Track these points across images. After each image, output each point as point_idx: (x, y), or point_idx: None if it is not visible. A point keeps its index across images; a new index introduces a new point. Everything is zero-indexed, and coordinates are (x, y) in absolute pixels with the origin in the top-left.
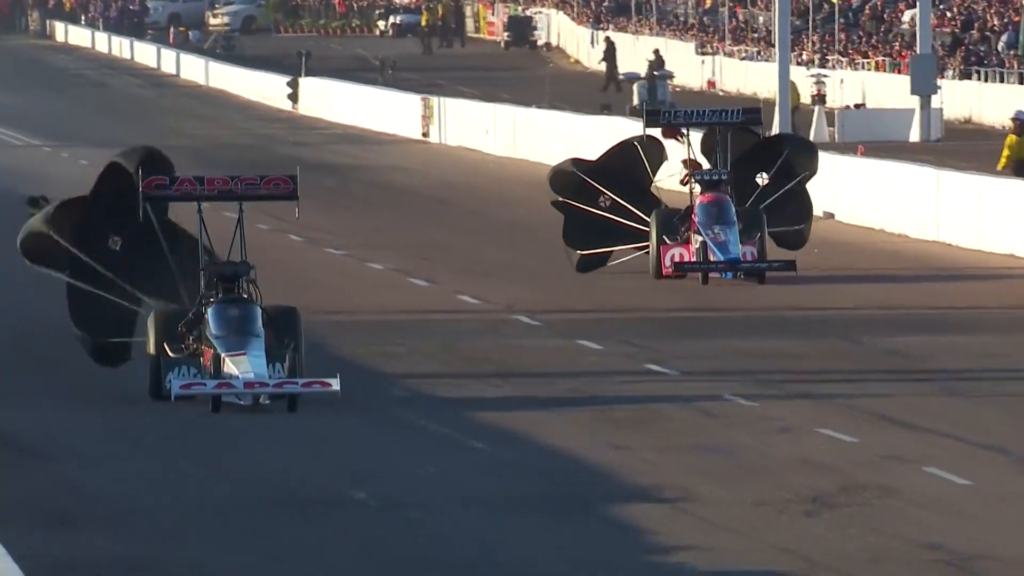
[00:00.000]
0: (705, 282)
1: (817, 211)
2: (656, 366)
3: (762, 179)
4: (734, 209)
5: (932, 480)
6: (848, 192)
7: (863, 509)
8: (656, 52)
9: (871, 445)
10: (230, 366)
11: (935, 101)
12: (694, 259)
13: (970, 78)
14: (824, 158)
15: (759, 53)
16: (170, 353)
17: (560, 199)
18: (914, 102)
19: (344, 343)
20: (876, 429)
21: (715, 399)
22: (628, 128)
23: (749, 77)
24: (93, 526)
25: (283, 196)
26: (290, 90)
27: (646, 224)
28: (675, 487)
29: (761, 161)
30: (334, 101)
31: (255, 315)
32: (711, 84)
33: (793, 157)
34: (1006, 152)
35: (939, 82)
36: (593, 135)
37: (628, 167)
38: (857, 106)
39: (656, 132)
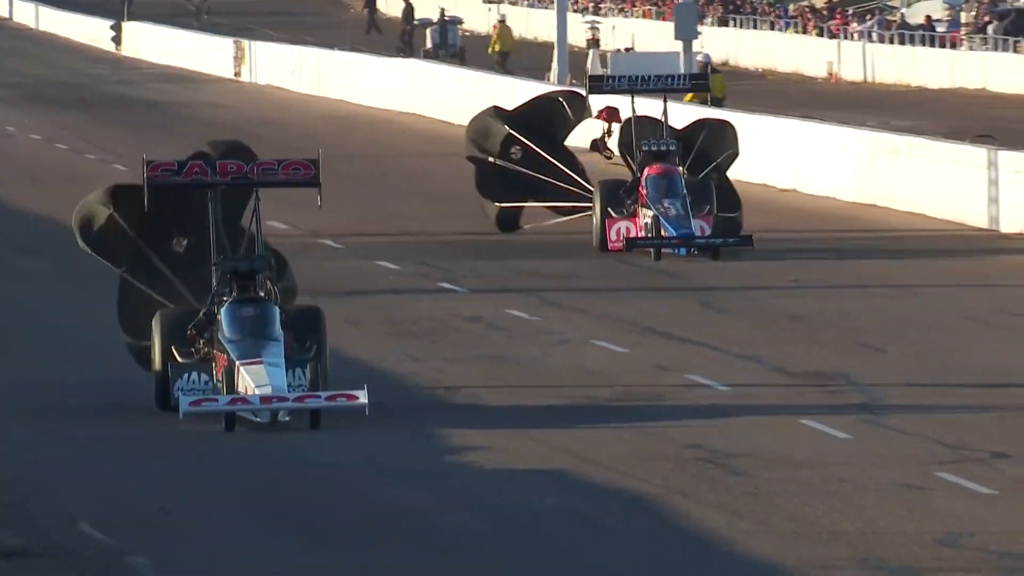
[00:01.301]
0: (658, 258)
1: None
2: (448, 284)
3: (675, 156)
4: (683, 181)
5: (695, 386)
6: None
7: (634, 413)
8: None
9: (640, 355)
10: (245, 377)
11: (696, 45)
12: (642, 233)
13: (727, 25)
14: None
15: (539, 0)
16: (178, 358)
17: (476, 151)
18: (678, 46)
19: None
20: (644, 341)
21: (501, 314)
22: (422, 69)
23: (532, 23)
24: None
25: (303, 182)
26: (113, 33)
27: (566, 181)
28: (467, 394)
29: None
30: (154, 43)
31: (273, 316)
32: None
33: (707, 145)
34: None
35: (700, 28)
36: (389, 76)
37: (548, 120)
38: (627, 49)
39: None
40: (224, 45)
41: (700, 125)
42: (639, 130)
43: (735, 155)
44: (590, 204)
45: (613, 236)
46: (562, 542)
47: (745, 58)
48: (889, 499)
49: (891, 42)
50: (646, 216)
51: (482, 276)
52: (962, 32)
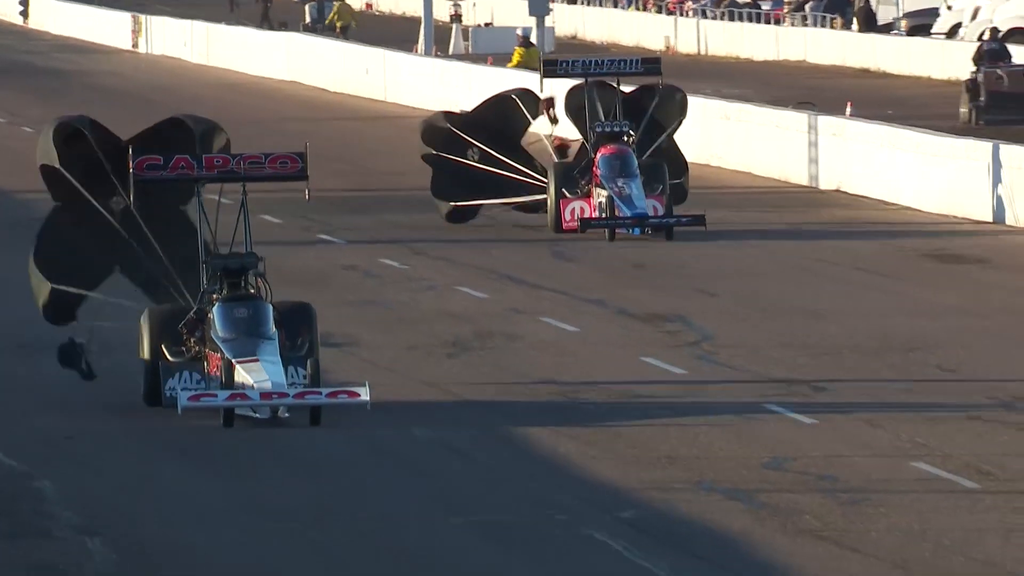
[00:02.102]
0: (612, 238)
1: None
2: (327, 236)
3: (629, 137)
4: (636, 161)
5: (547, 327)
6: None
7: (493, 351)
8: None
9: (498, 300)
10: (243, 374)
11: (548, 21)
12: (596, 213)
13: (576, 3)
14: (461, 66)
15: None
16: (169, 356)
17: (432, 152)
18: (532, 22)
19: None
20: (502, 287)
21: (375, 263)
22: (302, 41)
23: (400, 1)
24: None
25: (290, 176)
26: (21, 7)
27: (521, 175)
28: (343, 335)
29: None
30: (58, 17)
31: (266, 314)
32: (368, 6)
33: (659, 112)
34: (516, 60)
35: (551, 5)
36: (271, 48)
37: (502, 120)
38: (486, 24)
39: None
40: (122, 19)
41: (651, 90)
42: (590, 95)
43: (683, 119)
44: (543, 196)
45: (568, 216)
46: (432, 468)
47: (592, 32)
48: (721, 428)
49: (722, 18)
50: (600, 196)
51: (356, 229)
52: (785, 10)
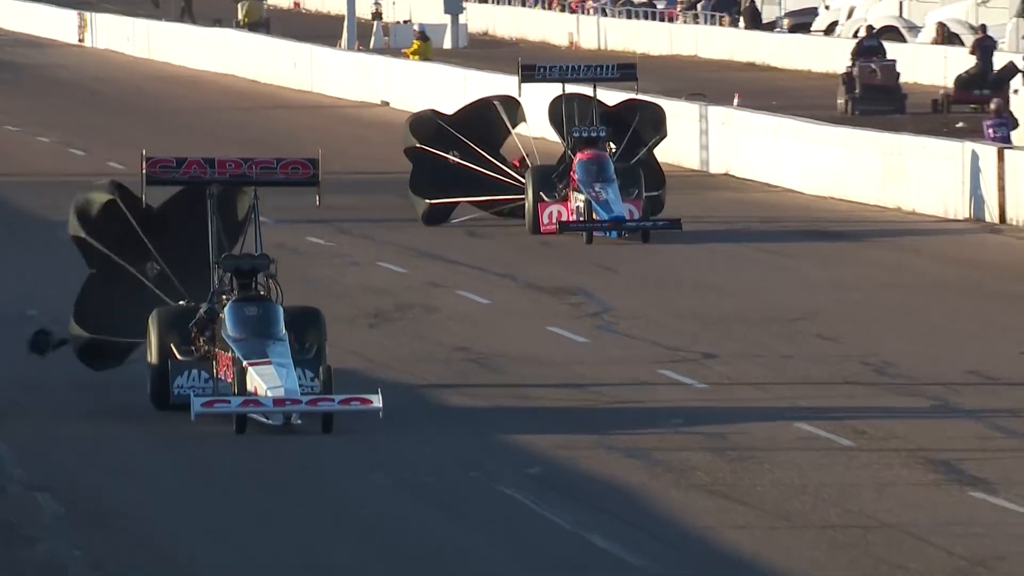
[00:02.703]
0: (590, 241)
1: (378, 99)
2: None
3: (610, 151)
4: (613, 166)
5: (462, 299)
6: (403, 83)
7: (412, 322)
8: None
9: (417, 275)
10: (255, 378)
11: (462, 18)
12: (573, 217)
13: (487, 1)
14: (381, 59)
15: None
16: (178, 356)
17: (416, 145)
18: (447, 19)
19: (21, 198)
20: (421, 263)
21: (302, 241)
22: (235, 37)
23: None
24: None
25: (302, 182)
26: None
27: (502, 176)
28: None
29: (610, 131)
30: (8, 13)
31: (277, 315)
32: (296, 4)
33: (642, 127)
34: (414, 53)
35: (464, 4)
36: (207, 43)
37: (485, 124)
38: (405, 22)
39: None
40: (69, 16)
41: (634, 106)
42: (569, 108)
43: (664, 136)
44: (522, 196)
45: (545, 219)
46: (359, 428)
47: (502, 29)
48: (620, 390)
49: (620, 16)
50: (578, 200)
51: (284, 208)
52: (678, 9)
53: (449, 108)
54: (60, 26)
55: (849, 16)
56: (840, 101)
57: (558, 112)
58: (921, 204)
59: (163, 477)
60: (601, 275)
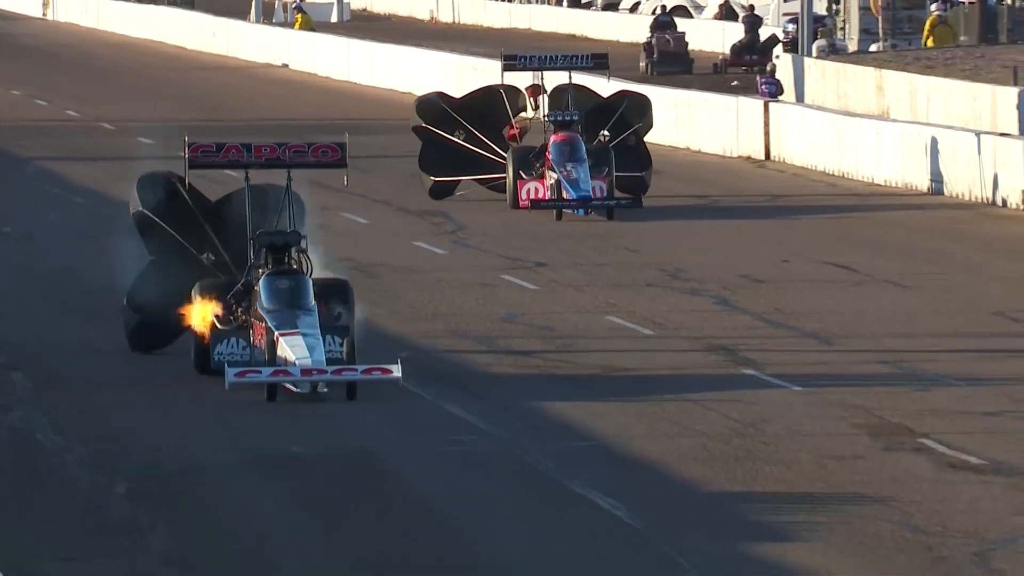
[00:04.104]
0: (559, 218)
1: (277, 61)
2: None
3: (604, 136)
4: (584, 147)
5: (344, 220)
6: (298, 50)
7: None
8: None
9: (311, 201)
10: (284, 348)
11: None
12: (548, 194)
13: None
14: (281, 31)
15: None
16: (218, 325)
17: (423, 125)
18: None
19: None
20: (314, 191)
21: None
22: (166, 11)
23: None
24: None
25: (331, 164)
26: None
27: (500, 158)
28: None
29: (601, 119)
30: None
31: (307, 288)
32: None
33: (628, 113)
34: (298, 24)
35: None
36: (145, 16)
37: (489, 108)
38: (299, 2)
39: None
40: None
41: (622, 96)
42: (563, 96)
43: (650, 125)
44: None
45: (524, 196)
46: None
47: (377, 7)
48: (470, 292)
49: None
50: (551, 178)
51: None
52: None
53: (333, 67)
54: (27, 3)
55: None
56: (642, 64)
57: (558, 100)
58: (706, 145)
59: (114, 359)
60: (458, 200)
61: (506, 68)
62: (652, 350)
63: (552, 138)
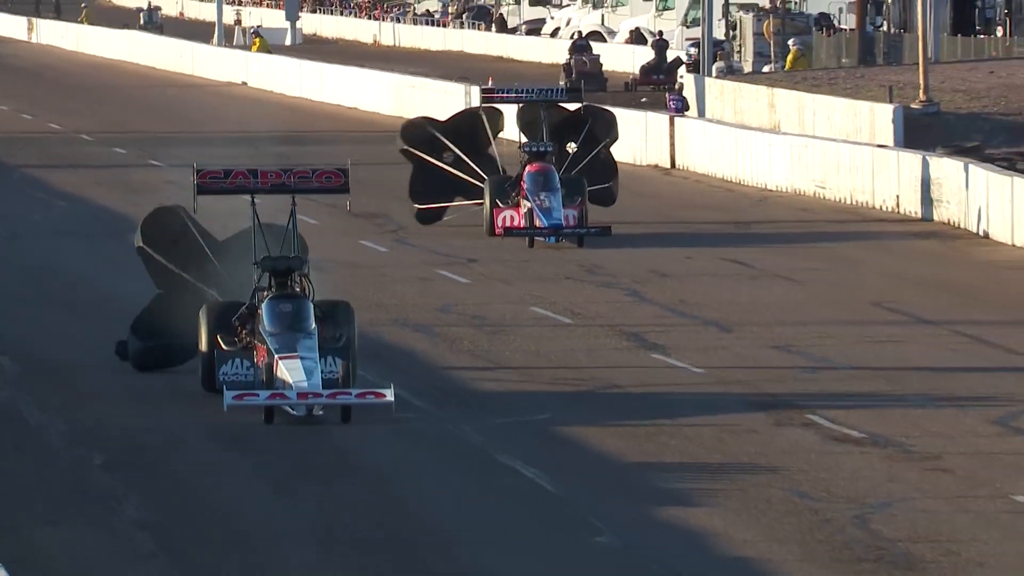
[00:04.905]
0: (531, 245)
1: (237, 79)
2: (155, 162)
3: (572, 148)
4: (558, 177)
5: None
6: (256, 70)
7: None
8: None
9: (261, 204)
10: (283, 371)
11: (299, 24)
12: (523, 222)
13: (316, 11)
14: (241, 53)
15: None
16: (224, 346)
17: (406, 148)
18: (287, 24)
19: None
20: (266, 197)
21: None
22: (139, 36)
23: (203, 10)
24: None
25: (335, 189)
26: None
27: (478, 183)
28: None
29: (569, 131)
30: None
31: (308, 311)
32: (181, 14)
33: (595, 126)
34: (256, 47)
35: (300, 13)
36: (119, 40)
37: (472, 131)
38: (258, 26)
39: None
40: (21, 20)
41: (588, 110)
42: (533, 112)
43: (615, 139)
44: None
45: (499, 223)
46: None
47: (326, 31)
48: (409, 284)
49: (411, 23)
50: (525, 207)
51: (178, 158)
52: (450, 17)
53: (287, 85)
54: (14, 28)
55: (567, 24)
56: (561, 83)
57: (526, 117)
58: (618, 155)
59: (93, 345)
60: (400, 203)
61: (484, 100)
62: (571, 337)
63: (527, 168)
